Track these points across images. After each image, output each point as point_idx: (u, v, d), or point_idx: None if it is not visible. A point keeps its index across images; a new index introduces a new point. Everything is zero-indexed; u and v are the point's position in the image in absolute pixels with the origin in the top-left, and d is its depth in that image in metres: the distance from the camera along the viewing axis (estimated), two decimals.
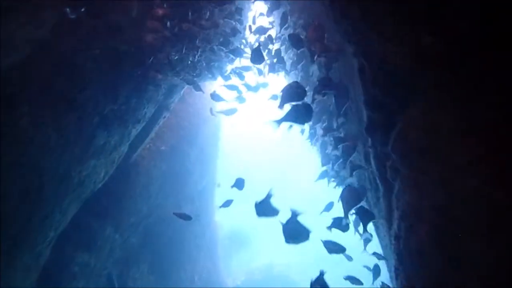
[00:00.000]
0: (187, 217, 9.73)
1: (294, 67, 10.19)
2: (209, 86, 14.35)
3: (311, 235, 5.48)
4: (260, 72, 11.40)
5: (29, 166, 7.73)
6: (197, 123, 15.20)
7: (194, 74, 10.80)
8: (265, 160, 40.33)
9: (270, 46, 10.76)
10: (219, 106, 13.04)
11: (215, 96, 11.28)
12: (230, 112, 11.89)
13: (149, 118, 11.22)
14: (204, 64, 11.09)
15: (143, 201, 12.61)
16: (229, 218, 24.22)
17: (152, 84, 10.38)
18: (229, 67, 12.16)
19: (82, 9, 7.56)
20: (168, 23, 9.28)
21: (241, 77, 11.47)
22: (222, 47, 10.70)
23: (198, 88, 11.02)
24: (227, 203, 9.96)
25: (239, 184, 8.70)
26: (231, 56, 10.95)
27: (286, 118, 5.36)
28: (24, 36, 7.26)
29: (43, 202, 8.25)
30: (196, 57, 10.46)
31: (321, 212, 8.42)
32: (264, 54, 9.87)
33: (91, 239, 10.83)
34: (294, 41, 7.02)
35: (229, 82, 11.73)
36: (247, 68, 11.41)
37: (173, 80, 10.86)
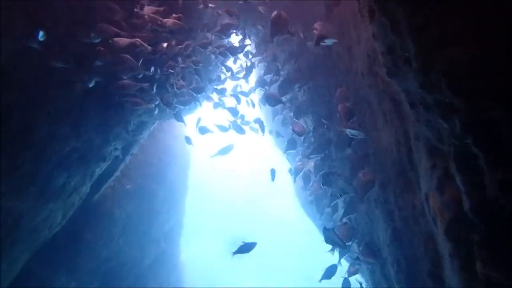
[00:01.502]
0: None
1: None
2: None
3: None
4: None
5: None
6: (166, 160, 14.39)
7: (182, 101, 9.65)
8: (238, 193, 39.50)
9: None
10: (204, 139, 11.74)
11: (202, 129, 10.44)
12: (226, 150, 10.82)
13: (115, 156, 10.38)
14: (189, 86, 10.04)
15: (104, 244, 11.56)
16: (197, 258, 23.20)
17: (120, 119, 9.60)
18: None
19: (43, 38, 6.63)
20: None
21: (238, 100, 10.80)
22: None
23: (180, 118, 9.90)
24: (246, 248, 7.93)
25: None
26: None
27: None
28: None
29: None
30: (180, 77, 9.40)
31: (321, 279, 7.40)
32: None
33: None
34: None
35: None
36: (246, 94, 10.81)
37: (147, 113, 9.99)
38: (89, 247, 11.17)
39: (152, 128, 12.25)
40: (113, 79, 7.97)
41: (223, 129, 10.80)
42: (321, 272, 7.39)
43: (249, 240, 8.04)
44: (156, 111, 10.00)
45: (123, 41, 7.33)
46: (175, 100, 9.25)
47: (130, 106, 8.74)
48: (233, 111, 10.75)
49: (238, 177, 38.98)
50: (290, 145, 8.54)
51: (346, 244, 5.84)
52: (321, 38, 5.53)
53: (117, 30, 7.38)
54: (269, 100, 8.02)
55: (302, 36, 7.33)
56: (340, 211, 7.24)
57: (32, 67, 7.00)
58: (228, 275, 31.69)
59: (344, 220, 6.63)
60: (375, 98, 5.00)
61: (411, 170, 4.28)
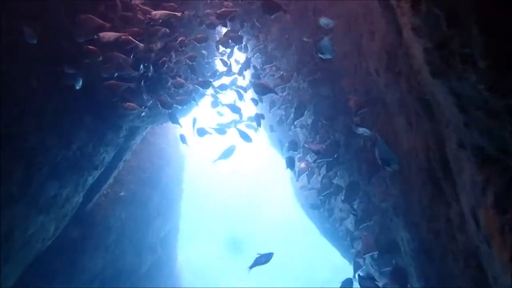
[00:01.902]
0: None
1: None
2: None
3: None
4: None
5: None
6: (160, 164, 14.08)
7: (179, 100, 9.12)
8: (240, 193, 39.03)
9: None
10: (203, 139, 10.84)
11: (200, 131, 9.92)
12: (228, 153, 10.17)
13: (108, 163, 10.02)
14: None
15: (99, 254, 11.25)
16: (195, 260, 22.93)
17: (112, 125, 9.25)
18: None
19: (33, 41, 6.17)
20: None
21: (240, 96, 10.21)
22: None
23: (175, 120, 9.23)
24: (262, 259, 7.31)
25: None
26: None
27: None
28: None
29: None
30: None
31: None
32: None
33: None
34: None
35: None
36: (245, 89, 10.36)
37: (138, 118, 9.58)
38: (84, 257, 10.87)
39: (144, 132, 11.91)
40: (102, 79, 7.52)
41: (221, 132, 10.38)
42: (322, 273, 7.09)
43: (247, 239, 7.80)
44: (149, 115, 9.64)
45: (109, 35, 6.56)
46: (172, 99, 8.81)
47: (121, 110, 8.37)
48: (234, 108, 10.24)
49: (240, 177, 38.53)
50: (292, 146, 8.24)
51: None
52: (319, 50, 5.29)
53: (101, 21, 6.65)
54: (258, 89, 7.55)
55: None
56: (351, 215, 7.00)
57: (23, 71, 6.67)
58: (227, 275, 31.46)
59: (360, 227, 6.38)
60: (395, 97, 4.64)
61: (444, 179, 3.89)
